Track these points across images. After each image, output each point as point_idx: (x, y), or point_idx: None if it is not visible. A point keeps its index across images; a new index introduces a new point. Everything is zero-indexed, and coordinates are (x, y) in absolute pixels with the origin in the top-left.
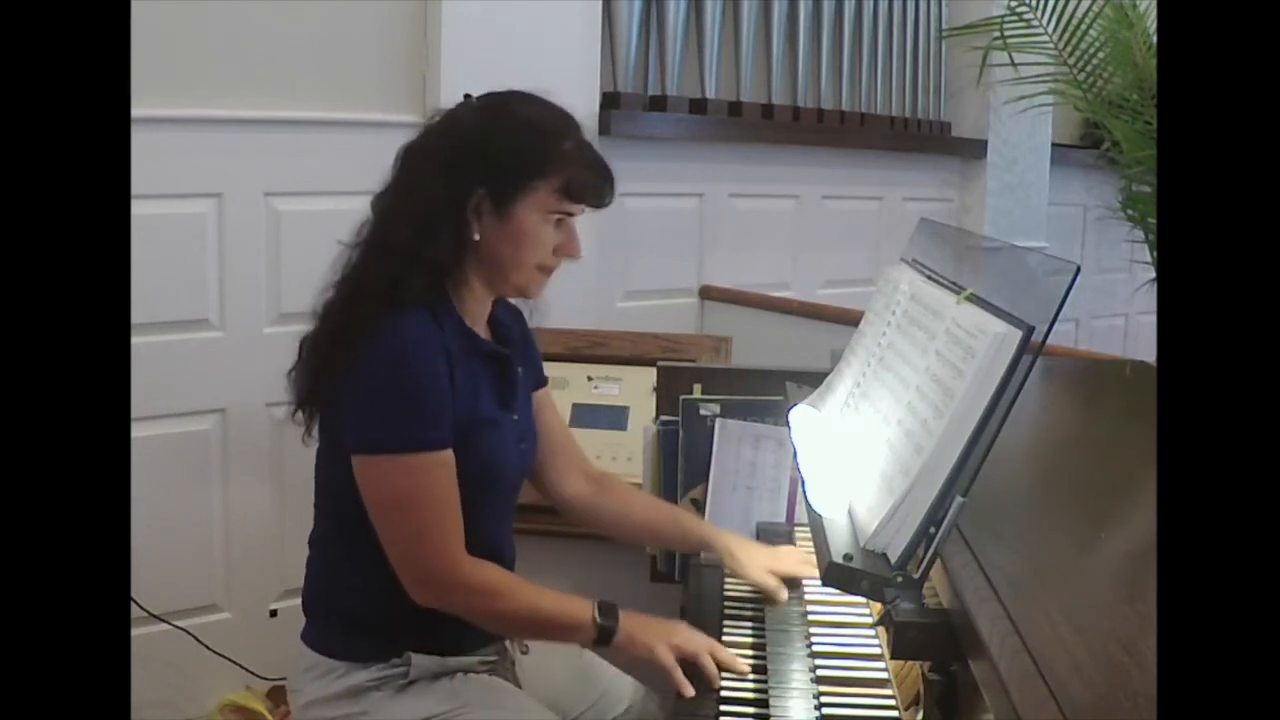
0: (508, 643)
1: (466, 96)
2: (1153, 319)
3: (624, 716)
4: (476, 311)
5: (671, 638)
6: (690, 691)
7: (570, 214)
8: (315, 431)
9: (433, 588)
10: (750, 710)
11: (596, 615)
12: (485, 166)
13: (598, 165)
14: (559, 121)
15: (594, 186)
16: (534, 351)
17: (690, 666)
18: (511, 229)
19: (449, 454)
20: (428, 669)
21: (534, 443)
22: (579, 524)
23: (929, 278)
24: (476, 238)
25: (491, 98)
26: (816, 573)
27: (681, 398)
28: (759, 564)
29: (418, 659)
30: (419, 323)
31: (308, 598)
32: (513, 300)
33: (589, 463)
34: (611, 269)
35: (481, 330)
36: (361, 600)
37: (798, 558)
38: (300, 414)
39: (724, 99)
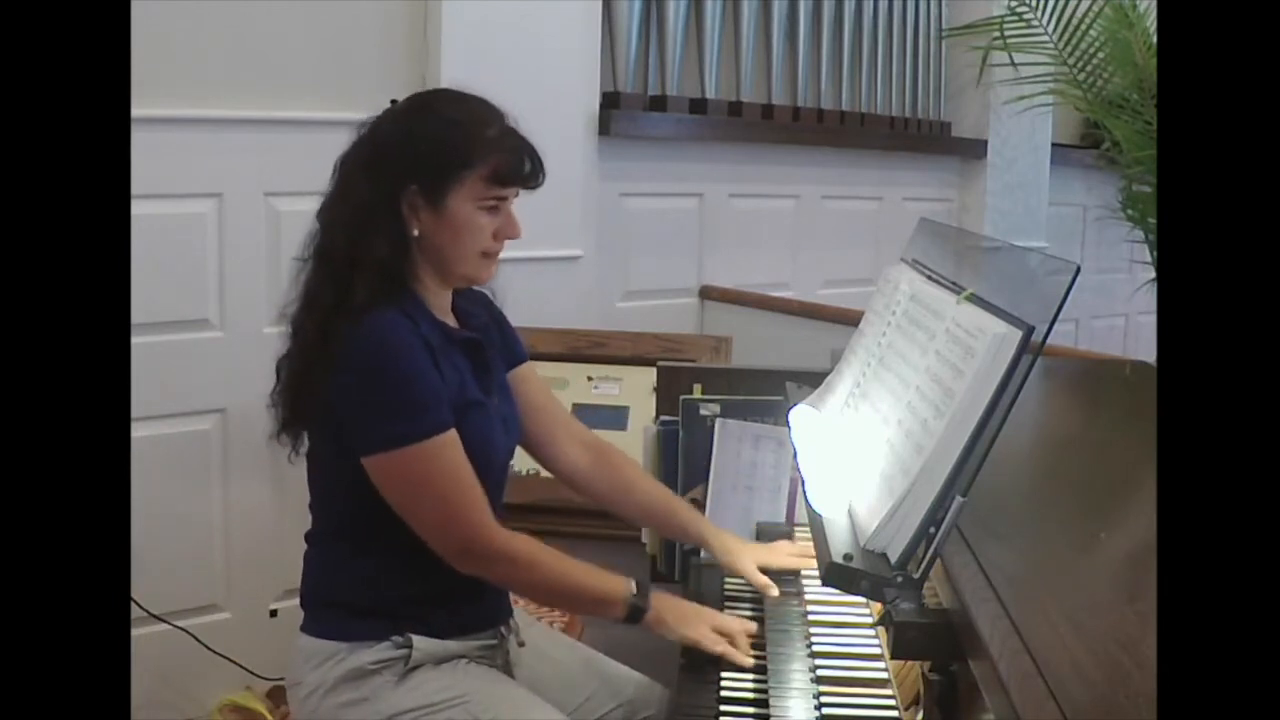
0: (503, 629)
1: (392, 102)
2: (1153, 319)
3: (619, 711)
4: (439, 304)
5: (711, 619)
6: (749, 662)
7: (503, 199)
8: (301, 449)
9: (473, 558)
10: (750, 710)
11: (631, 591)
12: (413, 163)
13: (524, 148)
14: (481, 111)
15: (521, 170)
16: (507, 331)
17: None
18: (448, 221)
19: (453, 433)
20: (429, 652)
21: (517, 426)
22: (581, 496)
23: (929, 278)
24: (416, 233)
25: (414, 98)
26: (810, 563)
27: (681, 398)
28: (752, 558)
29: (419, 641)
30: (391, 319)
31: (307, 591)
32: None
33: (586, 431)
34: (611, 269)
35: (450, 321)
36: (362, 591)
37: (791, 550)
38: (284, 435)
39: (724, 99)
